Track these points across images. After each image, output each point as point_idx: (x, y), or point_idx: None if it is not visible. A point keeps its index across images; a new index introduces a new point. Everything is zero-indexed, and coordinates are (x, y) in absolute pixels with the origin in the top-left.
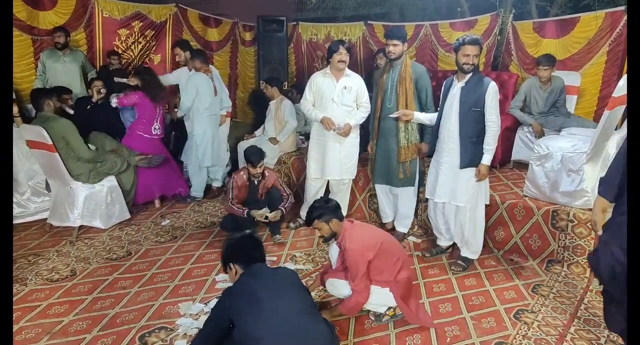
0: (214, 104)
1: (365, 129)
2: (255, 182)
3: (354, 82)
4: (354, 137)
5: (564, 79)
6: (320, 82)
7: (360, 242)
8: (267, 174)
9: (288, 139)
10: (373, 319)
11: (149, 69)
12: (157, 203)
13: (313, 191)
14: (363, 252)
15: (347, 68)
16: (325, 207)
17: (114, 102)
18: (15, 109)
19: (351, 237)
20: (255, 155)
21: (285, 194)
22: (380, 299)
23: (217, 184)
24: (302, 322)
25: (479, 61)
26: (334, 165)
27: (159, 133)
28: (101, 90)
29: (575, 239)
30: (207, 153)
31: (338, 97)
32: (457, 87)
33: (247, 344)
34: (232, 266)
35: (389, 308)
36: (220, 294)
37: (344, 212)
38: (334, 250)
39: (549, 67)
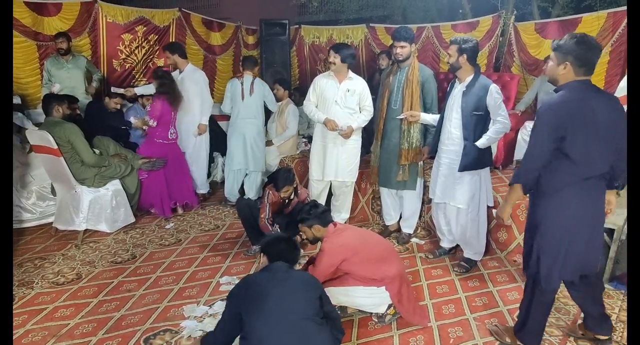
0: (243, 108)
1: (368, 131)
2: (286, 201)
3: (358, 85)
4: (356, 140)
5: None
6: (323, 84)
7: (335, 243)
8: (300, 192)
9: (287, 143)
10: (376, 320)
11: (169, 72)
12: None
13: (316, 193)
14: (335, 253)
15: (350, 71)
16: (310, 213)
17: (133, 121)
18: None
19: (329, 239)
20: (280, 180)
21: None
22: (378, 299)
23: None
24: (304, 326)
25: (481, 62)
26: (334, 167)
27: (174, 137)
28: (117, 106)
29: None
30: (232, 157)
31: (341, 99)
32: (457, 88)
33: (249, 338)
34: (262, 256)
35: (389, 306)
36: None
37: (347, 215)
38: None
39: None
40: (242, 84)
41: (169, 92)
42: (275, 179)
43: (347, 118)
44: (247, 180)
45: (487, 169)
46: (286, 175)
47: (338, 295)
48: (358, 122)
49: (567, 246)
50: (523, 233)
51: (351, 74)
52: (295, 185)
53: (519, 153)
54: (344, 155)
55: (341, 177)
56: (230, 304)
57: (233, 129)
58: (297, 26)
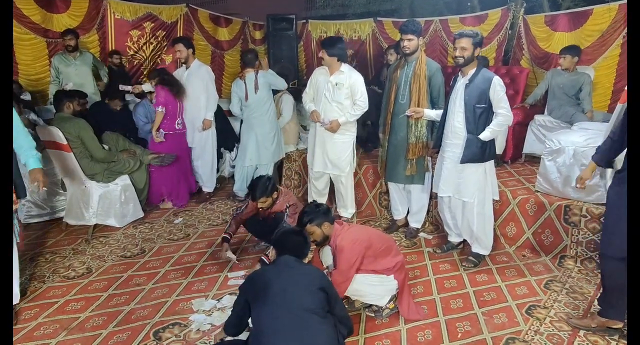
0: (252, 106)
1: (375, 125)
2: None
3: (347, 78)
4: (347, 134)
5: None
6: (317, 77)
7: (350, 237)
8: (277, 203)
9: (287, 132)
10: (373, 315)
11: (164, 69)
12: (168, 204)
13: (313, 181)
14: (354, 246)
15: (345, 65)
16: (316, 211)
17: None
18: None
19: (342, 236)
20: (257, 190)
21: (286, 223)
22: (384, 289)
23: None
24: (305, 318)
25: (490, 56)
26: (324, 159)
27: (181, 128)
28: (118, 107)
29: (588, 234)
30: (245, 153)
31: (329, 92)
32: (460, 82)
33: (255, 328)
34: (272, 249)
35: (391, 300)
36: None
37: (353, 209)
38: (327, 254)
39: (568, 55)
40: (245, 83)
41: (171, 84)
42: (252, 187)
43: (335, 112)
44: (257, 175)
45: (492, 162)
46: (265, 185)
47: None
48: (346, 117)
49: None
50: (531, 228)
51: (344, 67)
52: (275, 196)
53: (528, 147)
54: (333, 148)
55: (330, 169)
56: (240, 293)
57: (246, 126)
58: (304, 21)
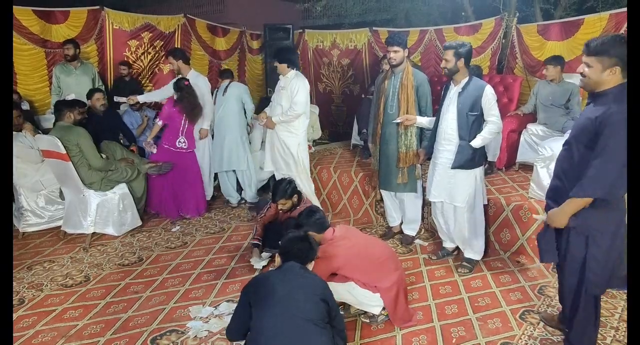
0: (218, 111)
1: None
2: (287, 212)
3: (287, 82)
4: (290, 134)
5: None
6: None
7: (328, 252)
8: (298, 208)
9: None
10: (368, 321)
11: (191, 88)
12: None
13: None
14: (327, 262)
15: (292, 70)
16: (308, 220)
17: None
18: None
19: (324, 248)
20: (277, 192)
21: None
22: (374, 301)
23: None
24: (304, 327)
25: (484, 65)
26: (270, 157)
27: (184, 146)
28: (103, 102)
29: None
30: (214, 159)
31: (277, 95)
32: (453, 91)
33: (253, 331)
34: (277, 256)
35: (384, 307)
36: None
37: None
38: None
39: (553, 65)
40: (217, 90)
41: (185, 104)
42: (273, 189)
43: (276, 111)
44: (241, 180)
45: (482, 169)
46: (285, 188)
47: (340, 290)
48: (278, 116)
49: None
50: (525, 234)
51: (291, 73)
52: (296, 200)
53: (521, 156)
54: (279, 146)
55: (283, 169)
56: (243, 295)
57: (214, 132)
58: (301, 31)
